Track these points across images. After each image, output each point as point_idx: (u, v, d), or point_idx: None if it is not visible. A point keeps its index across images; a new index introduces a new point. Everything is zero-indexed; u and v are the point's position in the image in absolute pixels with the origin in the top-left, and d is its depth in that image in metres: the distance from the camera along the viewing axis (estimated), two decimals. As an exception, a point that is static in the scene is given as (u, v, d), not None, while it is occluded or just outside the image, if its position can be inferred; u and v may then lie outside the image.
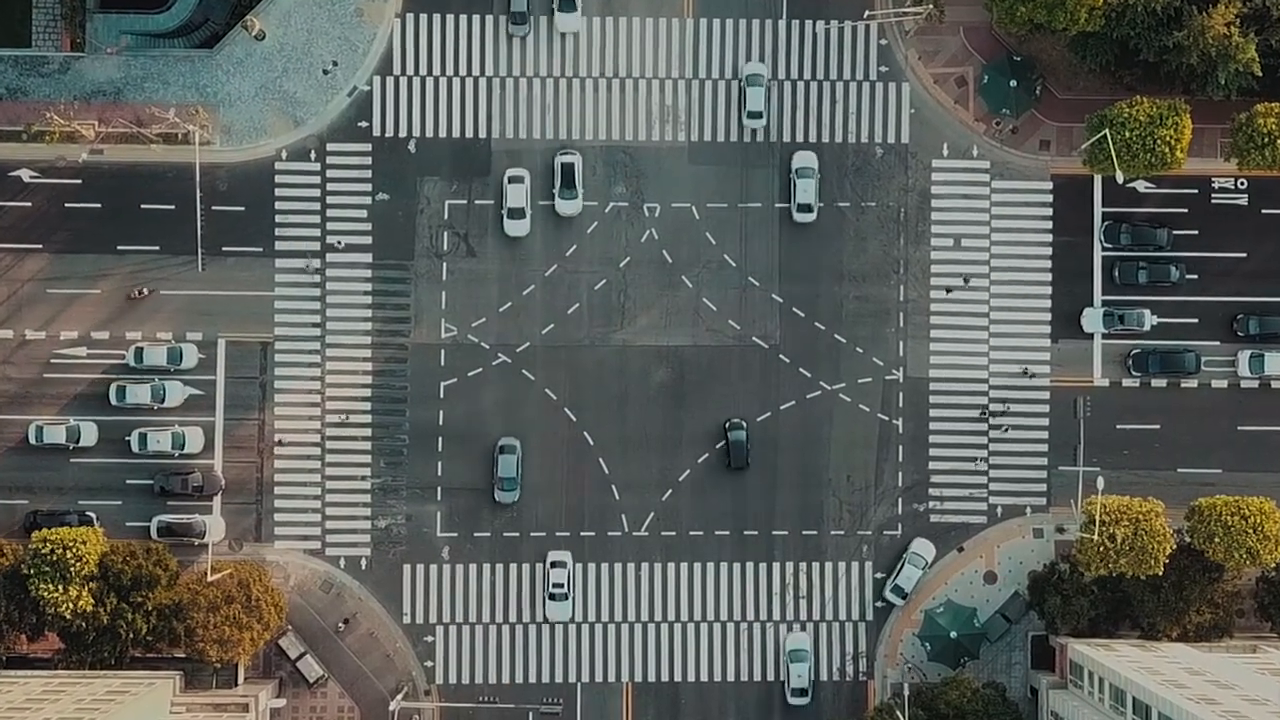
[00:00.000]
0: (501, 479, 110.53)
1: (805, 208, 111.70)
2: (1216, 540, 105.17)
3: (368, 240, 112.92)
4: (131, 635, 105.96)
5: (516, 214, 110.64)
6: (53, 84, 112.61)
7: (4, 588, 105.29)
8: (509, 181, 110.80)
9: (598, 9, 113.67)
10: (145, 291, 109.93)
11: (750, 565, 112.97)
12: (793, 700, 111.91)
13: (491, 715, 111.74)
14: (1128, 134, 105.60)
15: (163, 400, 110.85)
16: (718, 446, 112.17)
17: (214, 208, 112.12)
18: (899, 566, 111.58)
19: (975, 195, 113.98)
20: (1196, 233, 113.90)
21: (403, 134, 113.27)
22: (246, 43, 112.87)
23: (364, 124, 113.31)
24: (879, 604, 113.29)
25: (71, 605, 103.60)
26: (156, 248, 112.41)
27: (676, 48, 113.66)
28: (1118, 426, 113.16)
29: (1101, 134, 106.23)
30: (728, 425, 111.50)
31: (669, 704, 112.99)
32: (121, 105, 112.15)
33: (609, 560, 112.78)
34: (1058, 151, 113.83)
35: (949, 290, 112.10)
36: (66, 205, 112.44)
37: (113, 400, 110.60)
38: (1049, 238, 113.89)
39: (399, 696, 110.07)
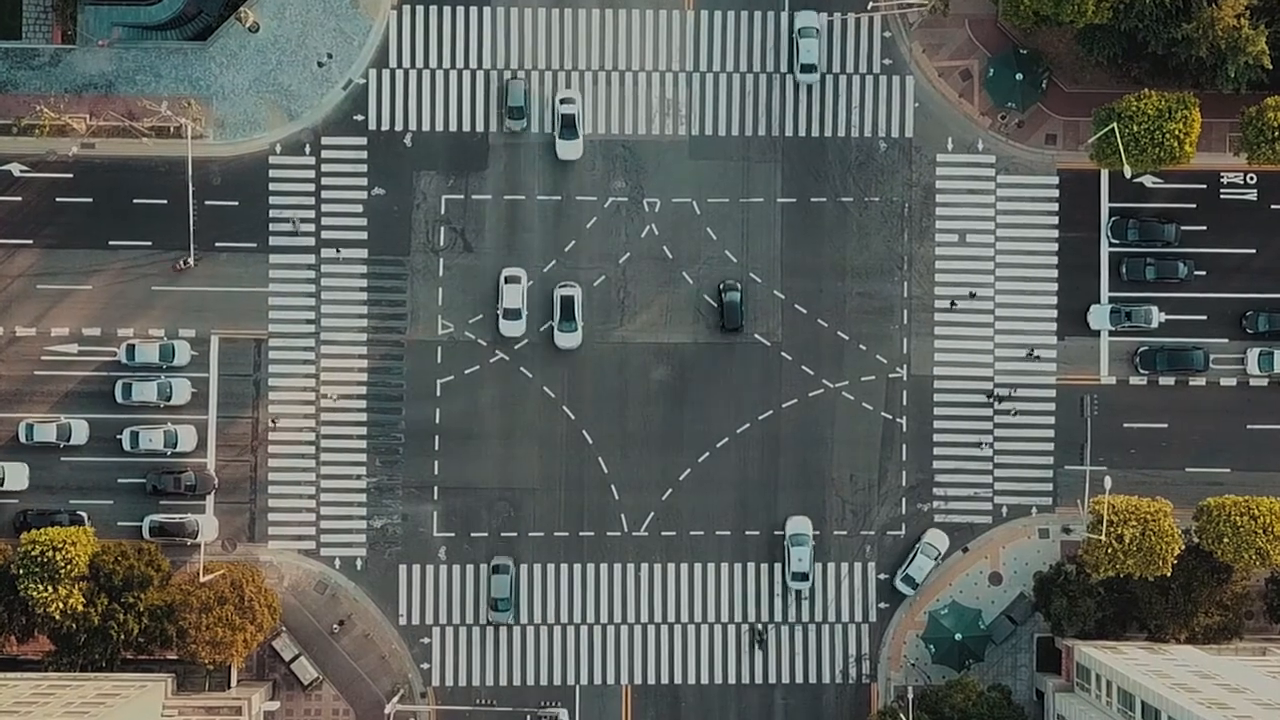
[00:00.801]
0: (495, 599, 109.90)
1: (809, 68, 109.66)
2: (1225, 541, 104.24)
3: (363, 236, 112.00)
4: (123, 637, 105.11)
5: (513, 314, 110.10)
6: (43, 77, 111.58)
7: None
8: (505, 281, 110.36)
9: (598, 1, 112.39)
10: (190, 263, 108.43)
11: (752, 566, 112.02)
12: (793, 584, 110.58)
13: (489, 718, 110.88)
14: (1136, 128, 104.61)
15: (169, 398, 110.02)
16: (713, 307, 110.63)
17: (207, 202, 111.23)
18: (911, 556, 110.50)
19: (980, 190, 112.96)
20: (1205, 228, 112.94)
21: (399, 128, 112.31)
22: (240, 35, 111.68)
23: (359, 117, 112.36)
24: (882, 605, 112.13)
25: (61, 606, 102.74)
26: (149, 243, 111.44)
27: (677, 40, 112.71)
28: (1125, 425, 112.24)
29: (1109, 128, 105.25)
30: (722, 287, 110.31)
31: (669, 707, 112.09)
32: (113, 98, 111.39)
33: (608, 561, 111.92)
34: (1064, 146, 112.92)
35: (954, 303, 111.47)
36: (57, 200, 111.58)
37: (118, 398, 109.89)
38: (1055, 233, 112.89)
39: (395, 699, 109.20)
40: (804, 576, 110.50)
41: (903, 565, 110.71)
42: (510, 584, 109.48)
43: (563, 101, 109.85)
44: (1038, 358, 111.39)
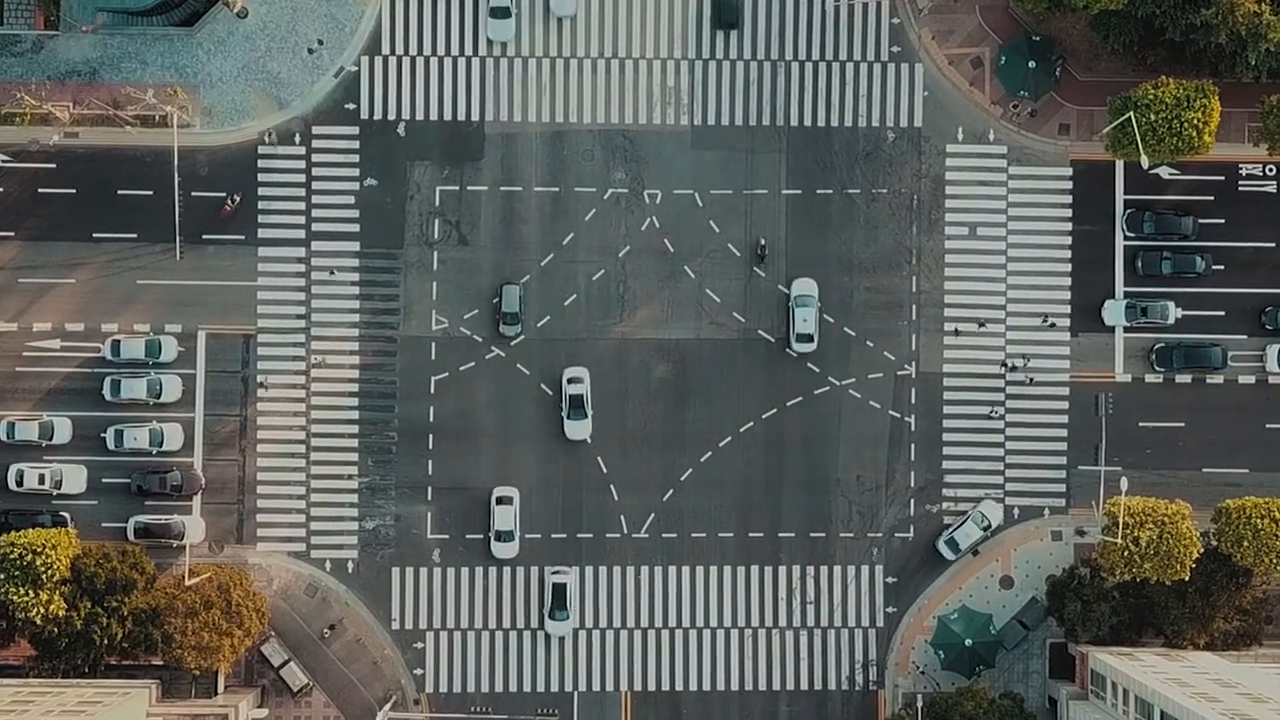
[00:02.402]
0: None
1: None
2: (1245, 544, 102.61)
3: (355, 228, 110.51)
4: (106, 642, 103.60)
5: (506, 536, 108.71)
6: (25, 64, 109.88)
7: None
8: (496, 503, 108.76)
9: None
10: (237, 199, 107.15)
11: (755, 569, 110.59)
12: (797, 346, 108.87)
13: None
14: (1153, 117, 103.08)
15: (159, 395, 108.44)
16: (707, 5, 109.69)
17: (194, 193, 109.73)
18: (961, 521, 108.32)
19: (991, 182, 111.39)
20: (1223, 221, 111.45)
21: (392, 116, 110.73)
22: (228, 21, 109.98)
23: (351, 106, 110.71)
24: (890, 609, 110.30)
25: (43, 611, 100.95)
26: (134, 235, 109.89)
27: (679, 26, 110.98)
28: (1140, 424, 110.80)
29: (1125, 117, 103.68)
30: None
31: (670, 714, 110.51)
32: (97, 86, 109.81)
33: (607, 563, 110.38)
34: (1078, 136, 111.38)
35: (958, 331, 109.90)
36: (39, 191, 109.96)
37: (106, 395, 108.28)
38: (1068, 226, 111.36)
39: (387, 706, 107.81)
40: (809, 338, 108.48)
41: (950, 528, 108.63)
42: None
43: (570, 381, 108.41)
44: (1053, 325, 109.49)
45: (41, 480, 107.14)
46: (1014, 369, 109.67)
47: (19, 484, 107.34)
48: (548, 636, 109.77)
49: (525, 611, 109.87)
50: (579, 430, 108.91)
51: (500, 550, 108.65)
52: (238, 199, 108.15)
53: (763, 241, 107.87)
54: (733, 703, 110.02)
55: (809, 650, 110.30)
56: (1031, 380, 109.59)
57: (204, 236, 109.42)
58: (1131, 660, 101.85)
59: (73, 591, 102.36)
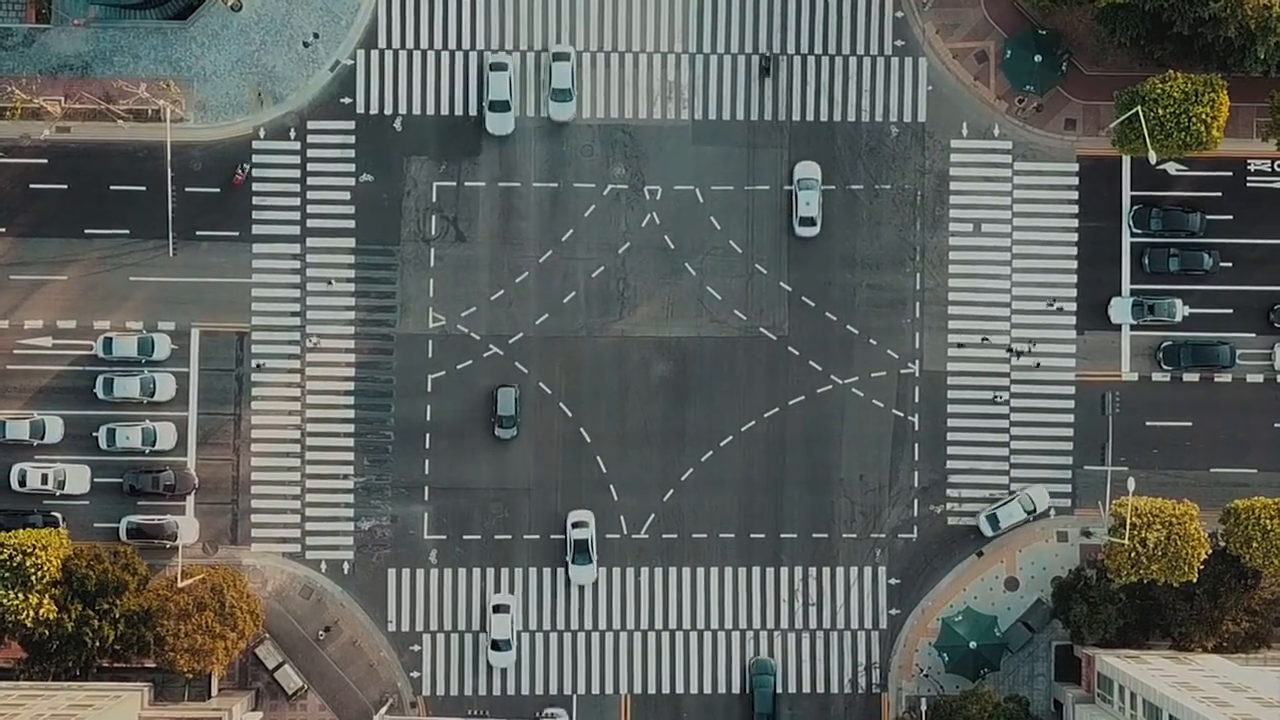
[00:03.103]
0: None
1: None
2: (1254, 545, 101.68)
3: (350, 224, 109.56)
4: (98, 644, 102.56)
5: (504, 645, 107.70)
6: (16, 58, 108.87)
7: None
8: (494, 610, 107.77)
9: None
10: (247, 167, 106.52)
11: (756, 570, 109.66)
12: (800, 230, 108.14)
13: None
14: (1161, 111, 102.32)
15: (153, 393, 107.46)
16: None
17: (187, 189, 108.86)
18: (1007, 500, 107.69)
19: (996, 178, 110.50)
20: (1231, 218, 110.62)
21: (388, 111, 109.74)
22: (222, 14, 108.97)
23: (347, 100, 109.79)
24: (893, 611, 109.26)
25: (33, 613, 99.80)
26: (126, 231, 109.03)
27: (680, 20, 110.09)
28: (1147, 423, 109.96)
29: (1133, 111, 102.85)
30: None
31: (670, 717, 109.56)
32: (89, 80, 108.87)
33: (607, 564, 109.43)
34: (1084, 131, 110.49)
35: (961, 345, 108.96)
36: (31, 186, 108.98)
37: (99, 393, 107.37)
38: (1074, 223, 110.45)
39: (383, 709, 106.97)
40: (811, 222, 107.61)
41: (995, 503, 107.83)
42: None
43: (575, 525, 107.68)
44: (1060, 309, 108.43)
45: (44, 480, 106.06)
46: (1020, 355, 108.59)
47: (21, 484, 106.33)
48: (546, 637, 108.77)
49: (523, 613, 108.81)
50: (583, 575, 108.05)
51: (498, 660, 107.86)
52: (248, 167, 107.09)
53: (768, 54, 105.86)
54: (734, 706, 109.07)
55: (811, 653, 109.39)
56: (1039, 365, 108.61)
57: (197, 233, 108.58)
58: (1139, 663, 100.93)
59: (63, 593, 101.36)
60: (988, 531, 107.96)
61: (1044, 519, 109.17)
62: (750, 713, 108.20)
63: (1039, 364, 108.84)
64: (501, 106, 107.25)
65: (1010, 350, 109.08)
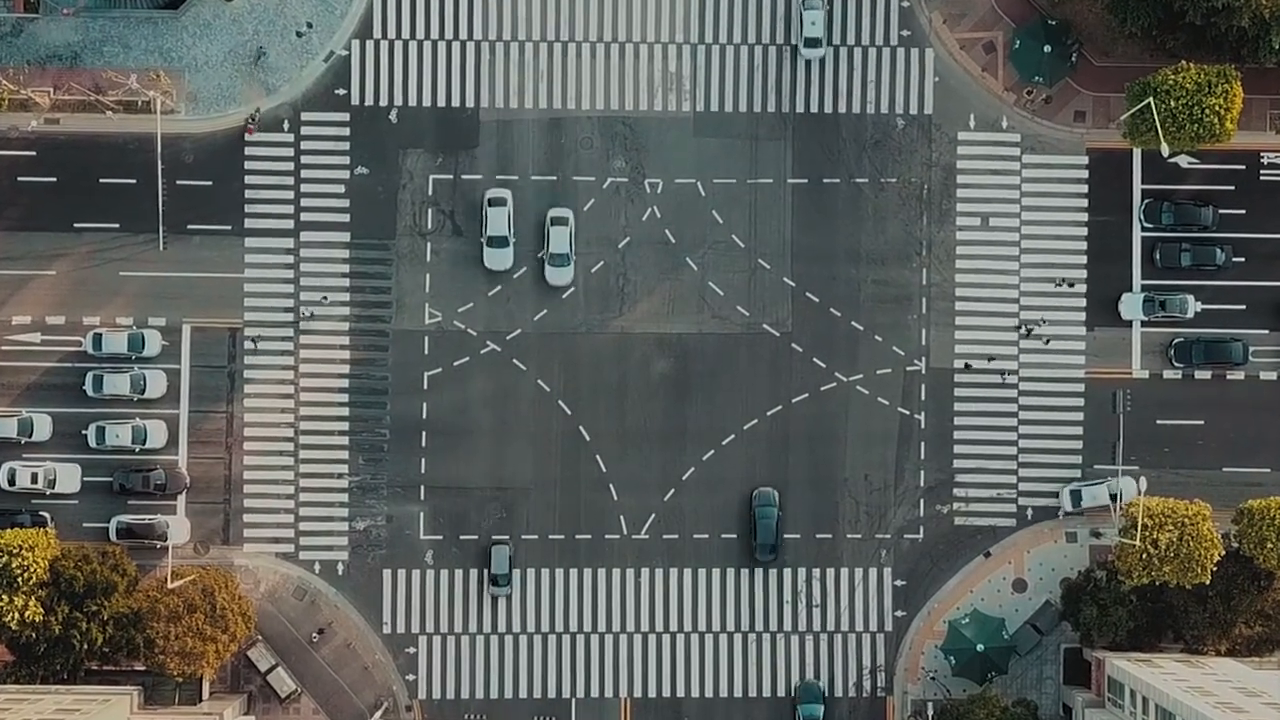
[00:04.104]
0: (495, 575, 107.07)
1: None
2: (1268, 546, 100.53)
3: (345, 218, 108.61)
4: (86, 647, 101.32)
5: (500, 581, 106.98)
6: (4, 48, 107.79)
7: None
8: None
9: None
10: (257, 115, 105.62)
11: (759, 572, 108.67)
12: (806, 52, 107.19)
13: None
14: (1173, 103, 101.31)
15: (143, 391, 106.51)
16: None
17: (178, 182, 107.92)
18: (1095, 481, 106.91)
19: (1004, 171, 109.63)
20: (1244, 212, 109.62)
21: (383, 103, 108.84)
22: (214, 3, 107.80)
23: (341, 92, 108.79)
24: (899, 613, 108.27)
25: (18, 615, 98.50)
26: (116, 225, 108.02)
27: (681, 9, 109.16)
28: (1158, 422, 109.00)
29: (1144, 103, 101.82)
30: None
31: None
32: (79, 71, 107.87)
33: (606, 565, 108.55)
34: (1094, 123, 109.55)
35: (967, 366, 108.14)
36: (19, 179, 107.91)
37: (88, 390, 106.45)
38: (1084, 217, 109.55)
39: (379, 713, 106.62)
40: (817, 43, 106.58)
41: (1081, 481, 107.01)
42: (508, 558, 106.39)
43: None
44: (1071, 285, 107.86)
45: (34, 479, 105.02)
46: (1029, 333, 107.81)
47: (10, 483, 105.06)
48: (544, 639, 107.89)
49: (521, 615, 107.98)
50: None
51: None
52: (258, 115, 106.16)
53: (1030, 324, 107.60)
54: (736, 709, 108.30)
55: (815, 655, 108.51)
56: (1048, 341, 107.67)
57: (189, 227, 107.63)
58: (1150, 667, 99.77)
59: (50, 595, 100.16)
60: (1068, 507, 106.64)
61: (1053, 520, 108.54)
62: (752, 545, 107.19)
63: (1048, 340, 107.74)
64: (500, 242, 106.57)
65: (1021, 328, 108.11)
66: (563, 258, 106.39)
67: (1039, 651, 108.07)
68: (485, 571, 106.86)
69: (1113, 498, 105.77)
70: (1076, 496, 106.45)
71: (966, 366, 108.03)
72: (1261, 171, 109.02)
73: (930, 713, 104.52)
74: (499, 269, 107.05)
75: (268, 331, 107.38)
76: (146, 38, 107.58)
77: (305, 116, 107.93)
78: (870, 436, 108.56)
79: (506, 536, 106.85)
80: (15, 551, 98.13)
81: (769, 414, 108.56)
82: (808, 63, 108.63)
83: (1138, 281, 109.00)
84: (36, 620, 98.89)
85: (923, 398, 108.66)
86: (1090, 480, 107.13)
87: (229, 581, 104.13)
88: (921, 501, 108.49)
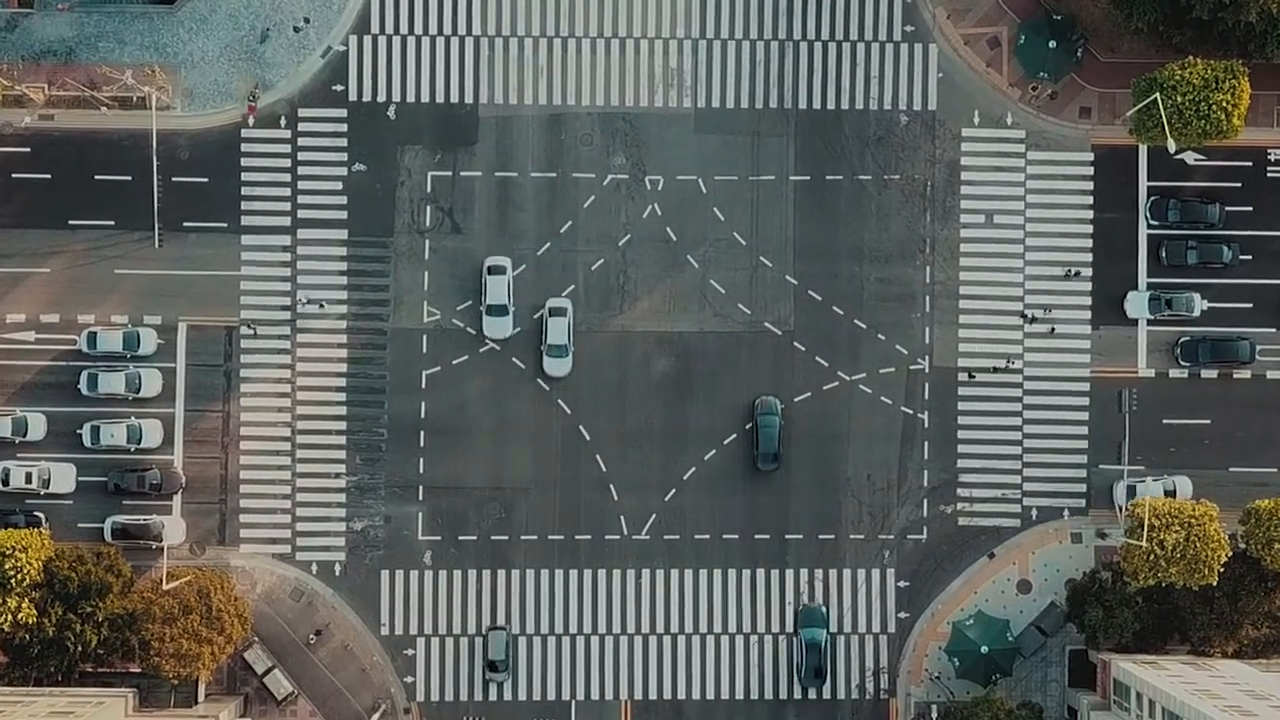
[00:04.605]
0: (493, 661, 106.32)
1: (769, 456, 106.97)
2: (1276, 547, 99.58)
3: (343, 215, 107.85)
4: (80, 648, 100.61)
5: (498, 667, 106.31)
6: None
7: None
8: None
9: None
10: (258, 93, 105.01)
11: (761, 572, 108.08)
12: None
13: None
14: (1180, 99, 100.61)
15: (138, 390, 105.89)
16: None
17: (174, 179, 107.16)
18: (1150, 476, 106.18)
19: (1009, 167, 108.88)
20: (1251, 209, 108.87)
21: (381, 99, 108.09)
22: None
23: (339, 88, 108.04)
24: (902, 615, 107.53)
25: (11, 617, 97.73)
26: (111, 222, 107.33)
27: (682, 4, 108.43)
28: (1164, 421, 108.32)
29: (1151, 99, 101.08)
30: None
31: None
32: (73, 66, 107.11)
33: (606, 567, 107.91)
34: (1100, 119, 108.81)
35: (972, 375, 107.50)
36: (13, 176, 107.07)
37: (83, 390, 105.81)
38: (1089, 214, 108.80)
39: (376, 715, 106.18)
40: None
41: (1134, 478, 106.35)
42: (507, 644, 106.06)
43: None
44: (1078, 274, 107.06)
45: (28, 479, 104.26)
46: (1034, 320, 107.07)
47: (4, 483, 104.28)
48: (544, 641, 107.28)
49: (520, 616, 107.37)
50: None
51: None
52: (259, 94, 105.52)
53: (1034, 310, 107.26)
54: (737, 712, 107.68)
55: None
56: (1053, 330, 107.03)
57: (185, 224, 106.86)
58: (1156, 669, 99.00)
59: (44, 596, 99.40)
60: (1121, 501, 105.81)
61: (1058, 520, 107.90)
62: (753, 454, 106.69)
63: (1053, 329, 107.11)
64: (500, 310, 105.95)
65: (1025, 316, 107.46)
66: (561, 349, 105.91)
67: (1044, 653, 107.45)
68: (484, 657, 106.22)
69: (1168, 494, 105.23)
70: (1131, 492, 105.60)
71: (970, 376, 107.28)
72: (1269, 168, 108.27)
73: (934, 715, 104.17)
74: (499, 337, 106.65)
75: (264, 330, 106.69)
76: (142, 33, 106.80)
77: (302, 113, 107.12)
78: (873, 436, 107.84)
79: (505, 626, 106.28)
80: (9, 552, 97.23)
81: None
82: (810, 57, 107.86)
83: (1143, 279, 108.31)
84: (30, 622, 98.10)
85: (926, 397, 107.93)
86: (1145, 476, 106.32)
87: (225, 582, 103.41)
88: (925, 502, 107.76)
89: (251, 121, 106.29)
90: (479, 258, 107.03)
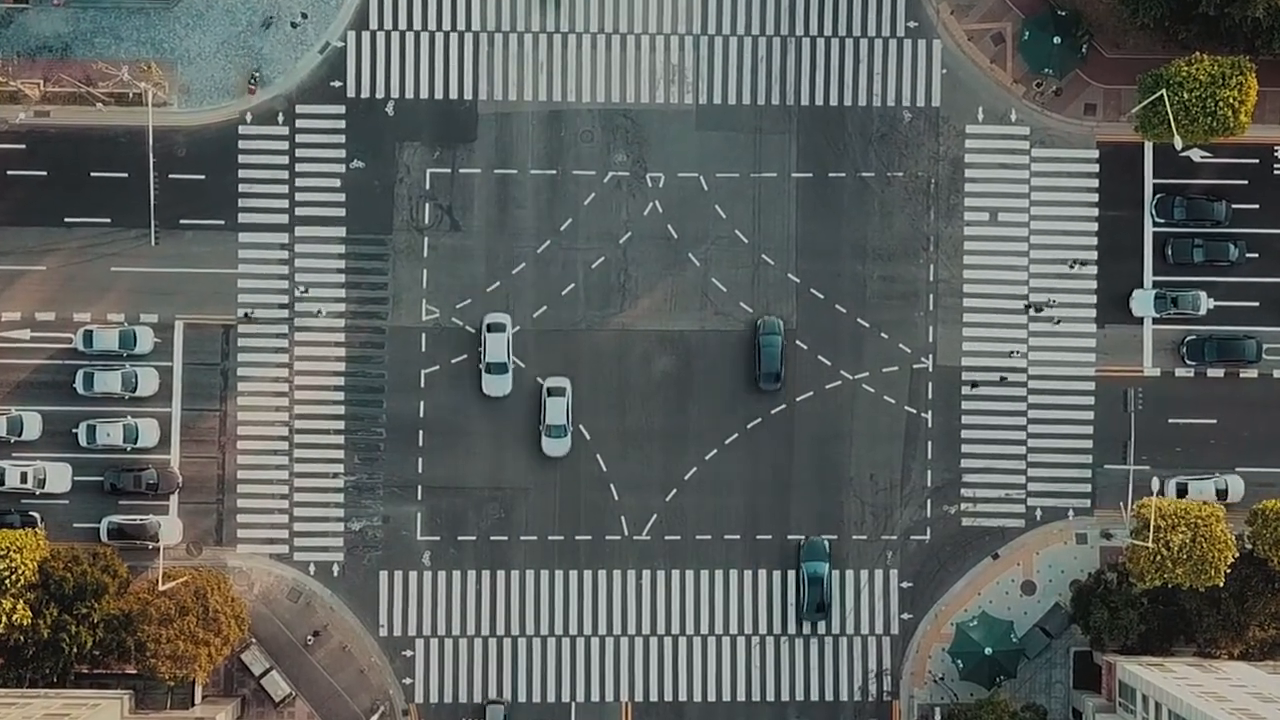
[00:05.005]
0: (550, 425, 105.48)
1: (771, 376, 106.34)
2: None
3: (341, 213, 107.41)
4: (75, 650, 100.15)
5: (495, 369, 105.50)
6: None
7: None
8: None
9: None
10: (258, 75, 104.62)
11: (763, 573, 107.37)
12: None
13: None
14: (1186, 95, 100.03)
15: (134, 389, 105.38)
16: None
17: (171, 176, 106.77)
18: (1204, 475, 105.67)
19: (1013, 165, 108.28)
20: (1257, 207, 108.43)
21: (380, 95, 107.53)
22: None
23: (337, 84, 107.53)
24: (905, 616, 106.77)
25: (5, 619, 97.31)
26: (107, 220, 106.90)
27: (683, 0, 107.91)
28: (1170, 421, 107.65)
29: (1157, 95, 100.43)
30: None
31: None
32: (69, 62, 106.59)
33: (607, 567, 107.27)
34: (1105, 116, 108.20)
35: (975, 385, 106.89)
36: (8, 173, 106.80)
37: (80, 389, 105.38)
38: (1094, 212, 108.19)
39: (375, 717, 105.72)
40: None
41: (1187, 475, 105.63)
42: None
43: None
44: (1082, 263, 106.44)
45: (23, 479, 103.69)
46: (1039, 310, 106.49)
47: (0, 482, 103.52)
48: (543, 643, 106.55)
49: (520, 618, 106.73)
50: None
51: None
52: (259, 73, 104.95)
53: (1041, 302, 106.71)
54: (739, 714, 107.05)
55: (819, 659, 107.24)
56: (1058, 321, 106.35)
57: (181, 221, 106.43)
58: (1163, 671, 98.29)
59: (39, 597, 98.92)
60: (1169, 493, 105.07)
61: (1062, 520, 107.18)
62: (755, 375, 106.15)
63: (1058, 320, 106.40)
64: (499, 369, 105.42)
65: (1029, 306, 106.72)
66: (560, 429, 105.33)
67: (1048, 655, 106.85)
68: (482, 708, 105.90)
69: (1219, 494, 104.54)
70: (1182, 490, 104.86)
71: (973, 385, 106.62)
72: (1275, 165, 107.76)
73: (937, 717, 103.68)
74: (498, 395, 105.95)
75: (262, 329, 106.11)
76: (138, 29, 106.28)
77: (300, 109, 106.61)
78: (876, 435, 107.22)
79: (504, 702, 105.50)
80: (3, 553, 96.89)
81: (773, 413, 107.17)
82: (813, 54, 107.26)
83: (1149, 278, 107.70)
84: (25, 623, 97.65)
85: (930, 396, 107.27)
86: (1197, 474, 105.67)
87: (222, 583, 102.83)
88: (928, 502, 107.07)
89: (253, 102, 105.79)
90: (479, 256, 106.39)
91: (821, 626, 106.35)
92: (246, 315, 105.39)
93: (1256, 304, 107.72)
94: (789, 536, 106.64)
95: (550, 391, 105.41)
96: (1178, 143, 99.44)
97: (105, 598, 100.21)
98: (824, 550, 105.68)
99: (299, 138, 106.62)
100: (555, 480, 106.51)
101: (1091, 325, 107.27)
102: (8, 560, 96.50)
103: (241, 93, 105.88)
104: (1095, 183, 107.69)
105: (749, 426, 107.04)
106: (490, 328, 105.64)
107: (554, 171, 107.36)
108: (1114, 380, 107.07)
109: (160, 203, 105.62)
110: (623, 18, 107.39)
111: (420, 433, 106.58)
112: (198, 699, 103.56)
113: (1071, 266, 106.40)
